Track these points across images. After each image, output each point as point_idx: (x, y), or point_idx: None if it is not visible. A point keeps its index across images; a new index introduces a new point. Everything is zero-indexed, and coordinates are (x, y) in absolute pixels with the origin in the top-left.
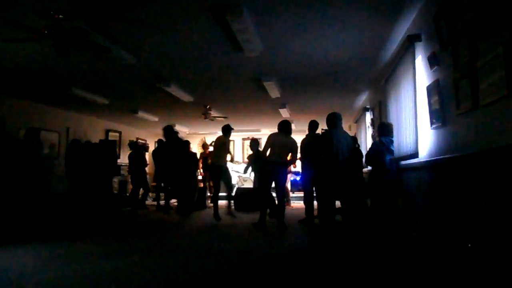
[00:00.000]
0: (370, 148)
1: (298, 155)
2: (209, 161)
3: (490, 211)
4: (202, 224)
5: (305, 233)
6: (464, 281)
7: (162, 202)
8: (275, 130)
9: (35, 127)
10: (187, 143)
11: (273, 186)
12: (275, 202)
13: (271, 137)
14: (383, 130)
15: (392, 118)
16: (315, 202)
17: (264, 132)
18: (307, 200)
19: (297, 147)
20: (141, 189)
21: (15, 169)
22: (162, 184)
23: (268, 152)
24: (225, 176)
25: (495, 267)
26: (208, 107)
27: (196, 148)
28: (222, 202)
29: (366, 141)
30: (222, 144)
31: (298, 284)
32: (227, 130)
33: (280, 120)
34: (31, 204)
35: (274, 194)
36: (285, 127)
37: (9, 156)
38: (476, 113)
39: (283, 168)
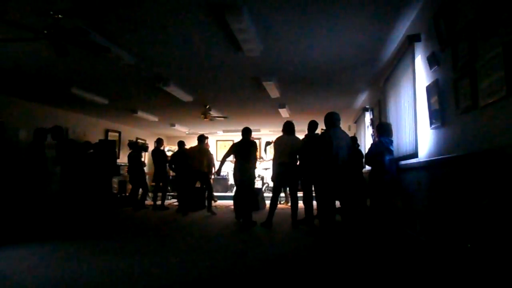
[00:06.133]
0: (369, 148)
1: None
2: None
3: (490, 211)
4: (203, 224)
5: (305, 233)
6: (464, 281)
7: (163, 202)
8: (275, 129)
9: (40, 127)
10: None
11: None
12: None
13: (276, 140)
14: (382, 130)
15: (392, 118)
16: (315, 202)
17: (264, 132)
18: (307, 200)
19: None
20: (140, 189)
21: (24, 169)
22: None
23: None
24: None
25: (495, 267)
26: (207, 107)
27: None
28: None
29: (365, 141)
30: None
31: (298, 284)
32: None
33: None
34: (34, 204)
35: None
36: (286, 127)
37: (12, 156)
38: (475, 113)
39: (293, 168)
